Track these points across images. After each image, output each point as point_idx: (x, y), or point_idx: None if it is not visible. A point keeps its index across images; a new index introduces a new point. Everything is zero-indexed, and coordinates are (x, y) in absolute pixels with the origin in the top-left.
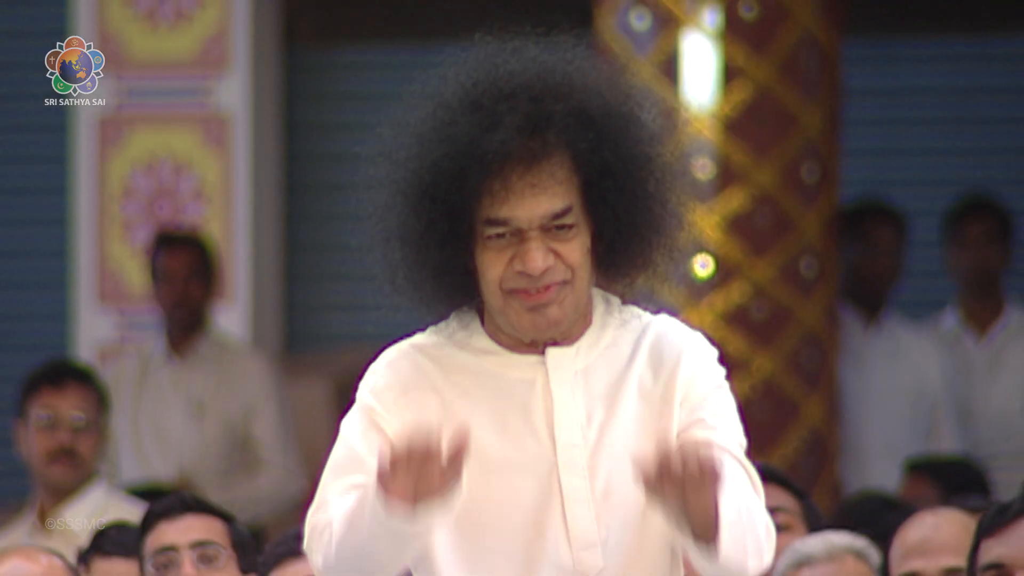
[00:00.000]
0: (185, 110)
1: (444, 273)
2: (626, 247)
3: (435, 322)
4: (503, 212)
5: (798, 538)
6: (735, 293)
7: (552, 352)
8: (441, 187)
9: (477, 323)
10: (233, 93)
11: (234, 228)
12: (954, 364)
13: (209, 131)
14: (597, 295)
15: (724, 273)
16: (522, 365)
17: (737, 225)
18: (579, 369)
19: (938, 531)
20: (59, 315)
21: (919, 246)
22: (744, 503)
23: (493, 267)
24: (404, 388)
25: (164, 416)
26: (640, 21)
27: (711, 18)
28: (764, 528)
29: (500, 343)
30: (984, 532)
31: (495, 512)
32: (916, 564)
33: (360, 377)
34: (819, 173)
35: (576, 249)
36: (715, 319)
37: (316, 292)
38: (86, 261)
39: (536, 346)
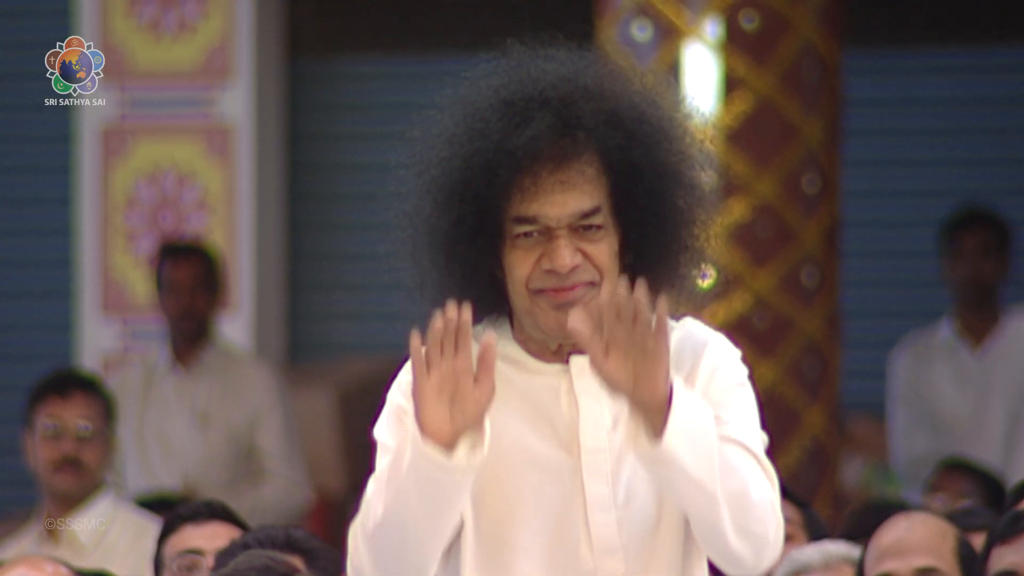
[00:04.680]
0: (188, 120)
1: (472, 277)
2: (653, 253)
3: None
4: (532, 209)
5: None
6: (736, 303)
7: (576, 359)
8: (471, 184)
9: (507, 329)
10: (236, 103)
11: (237, 238)
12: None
13: (212, 141)
14: None
15: (725, 283)
16: (548, 372)
17: (738, 235)
18: None
19: (911, 532)
20: (63, 325)
21: (920, 256)
22: (734, 455)
23: (521, 266)
24: None
25: (169, 426)
26: (642, 32)
27: (712, 29)
28: (768, 508)
29: (527, 351)
30: (996, 539)
31: (519, 512)
32: (889, 565)
33: (367, 388)
34: (820, 183)
35: (604, 251)
36: (716, 329)
37: (319, 302)
38: (90, 271)
39: (562, 355)
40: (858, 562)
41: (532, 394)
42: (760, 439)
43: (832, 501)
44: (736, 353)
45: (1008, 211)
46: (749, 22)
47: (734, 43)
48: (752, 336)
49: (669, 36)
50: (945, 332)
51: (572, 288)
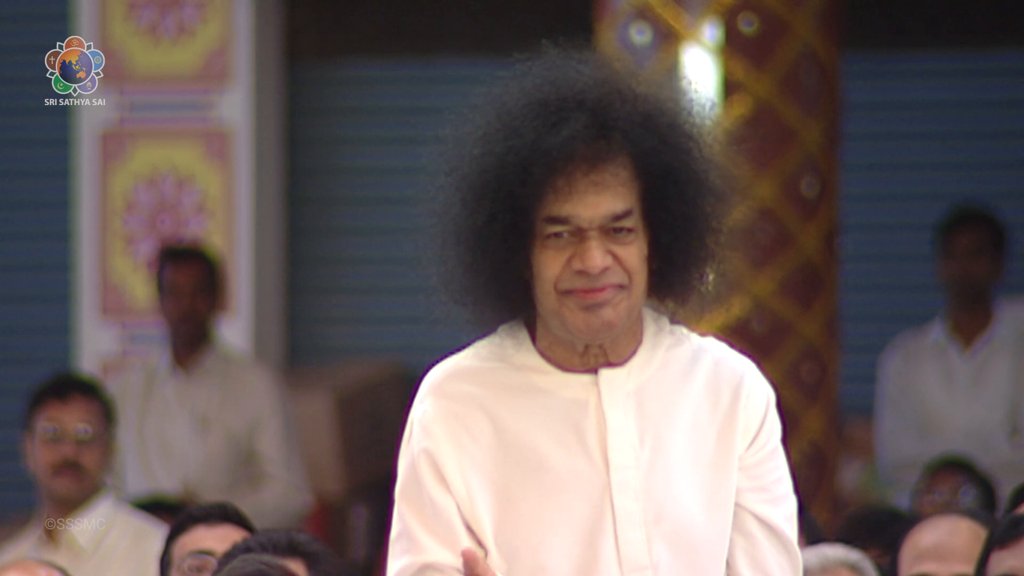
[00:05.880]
0: (187, 124)
1: (499, 277)
2: (682, 260)
3: (480, 337)
4: (565, 210)
5: None
6: (735, 307)
7: (605, 373)
8: (504, 182)
9: (526, 338)
10: (235, 107)
11: (236, 242)
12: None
13: (211, 145)
14: (647, 315)
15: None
16: (574, 385)
17: (737, 239)
18: (631, 390)
19: (953, 537)
20: (62, 328)
21: (918, 260)
22: None
23: (550, 267)
24: (454, 415)
25: (169, 430)
26: (640, 35)
27: (711, 33)
28: None
29: (551, 361)
30: (996, 543)
31: (548, 532)
32: (929, 567)
33: (365, 392)
34: (818, 187)
35: (634, 254)
36: (716, 333)
37: (318, 305)
38: (88, 275)
39: (587, 365)
40: (891, 558)
41: (558, 407)
42: (794, 507)
43: (830, 504)
44: (772, 397)
45: (1006, 215)
46: (748, 26)
47: (733, 47)
48: (751, 340)
49: (668, 40)
50: (936, 333)
51: (602, 289)
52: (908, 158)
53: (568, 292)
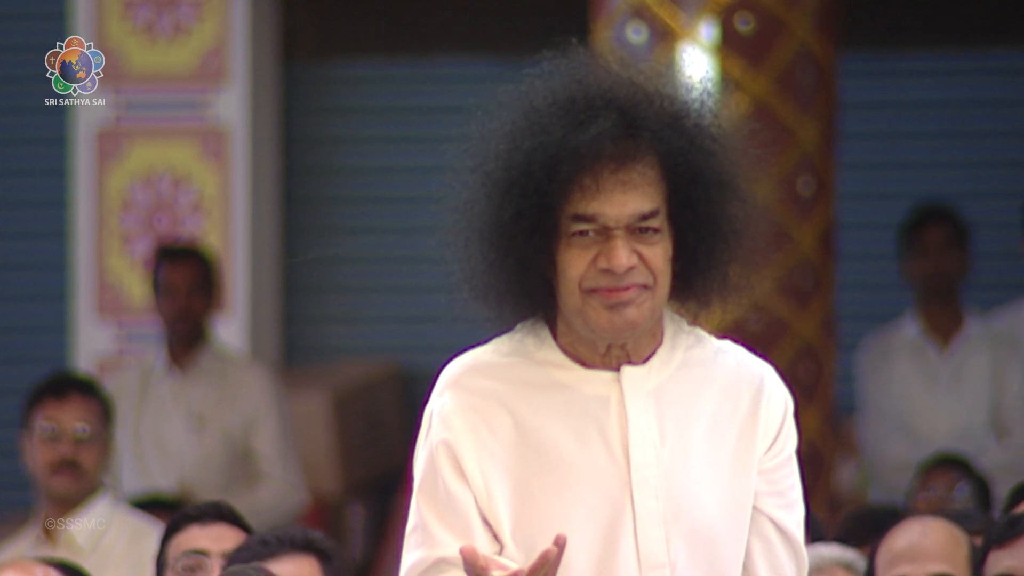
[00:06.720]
0: (184, 123)
1: (522, 274)
2: (706, 261)
3: (488, 334)
4: (592, 208)
5: None
6: (732, 306)
7: (627, 370)
8: (531, 179)
9: (547, 335)
10: (231, 106)
11: (233, 241)
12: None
13: (208, 144)
14: (667, 315)
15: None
16: (595, 381)
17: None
18: (651, 389)
19: (925, 538)
20: (58, 327)
21: None
22: None
23: (575, 265)
24: (473, 409)
25: (165, 428)
26: (637, 35)
27: (707, 31)
28: None
29: (572, 357)
30: (994, 543)
31: (568, 528)
32: (903, 569)
33: (362, 391)
34: (815, 186)
35: (659, 255)
36: (712, 332)
37: (314, 304)
38: (85, 274)
39: (607, 364)
40: (867, 563)
41: (580, 403)
42: (803, 522)
43: (827, 504)
44: (789, 400)
45: (1003, 215)
46: (744, 24)
47: (729, 46)
48: (747, 339)
49: (664, 38)
50: (910, 331)
51: (626, 289)
52: (905, 157)
53: (592, 291)
